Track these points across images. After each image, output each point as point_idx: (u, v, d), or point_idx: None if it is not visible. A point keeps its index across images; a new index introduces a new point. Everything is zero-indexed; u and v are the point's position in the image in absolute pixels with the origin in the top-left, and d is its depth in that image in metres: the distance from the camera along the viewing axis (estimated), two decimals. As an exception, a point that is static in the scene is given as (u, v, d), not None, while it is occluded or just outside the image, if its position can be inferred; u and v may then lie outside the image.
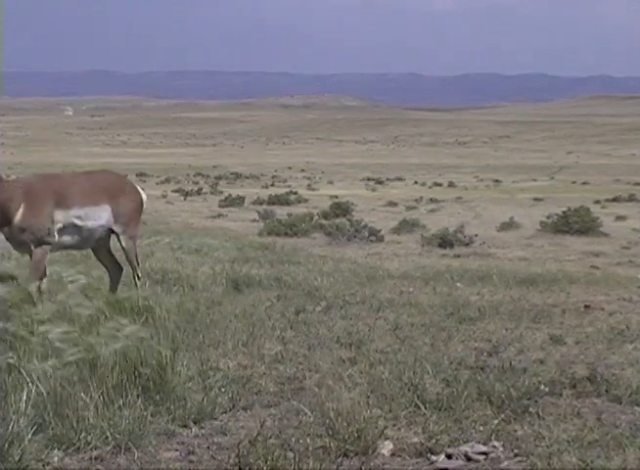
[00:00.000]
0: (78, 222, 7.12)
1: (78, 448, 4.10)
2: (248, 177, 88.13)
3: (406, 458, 4.17)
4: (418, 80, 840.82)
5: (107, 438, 4.15)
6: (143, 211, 7.69)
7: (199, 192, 57.62)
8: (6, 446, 3.87)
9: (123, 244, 7.47)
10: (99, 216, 7.24)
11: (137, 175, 74.53)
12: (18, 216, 6.81)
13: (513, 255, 20.11)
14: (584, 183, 79.81)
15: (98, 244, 7.55)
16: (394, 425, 4.53)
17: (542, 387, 5.18)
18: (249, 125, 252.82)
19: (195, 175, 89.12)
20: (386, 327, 7.15)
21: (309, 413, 4.60)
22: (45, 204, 6.92)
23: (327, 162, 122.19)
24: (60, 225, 7.01)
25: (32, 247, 6.90)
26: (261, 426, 4.19)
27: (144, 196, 7.71)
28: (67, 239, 7.13)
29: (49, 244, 6.97)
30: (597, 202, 47.87)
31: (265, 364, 5.71)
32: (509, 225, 31.20)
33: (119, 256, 7.69)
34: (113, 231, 7.42)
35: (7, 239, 7.02)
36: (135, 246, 7.60)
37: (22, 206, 6.82)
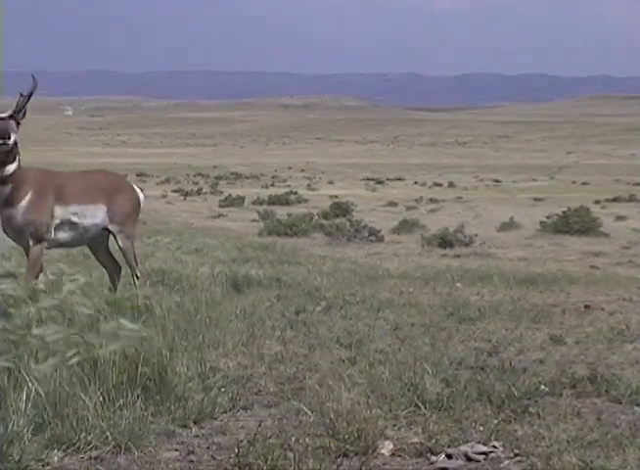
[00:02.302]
0: (75, 219, 7.10)
1: (78, 448, 4.09)
2: (248, 177, 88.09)
3: (406, 458, 4.16)
4: (418, 80, 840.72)
5: (107, 438, 4.14)
6: (140, 210, 7.65)
7: (199, 192, 57.61)
8: (6, 446, 3.87)
9: (120, 243, 7.42)
10: (94, 215, 7.22)
11: (137, 175, 74.51)
12: (24, 201, 6.78)
13: (513, 255, 20.13)
14: (584, 183, 79.80)
15: (95, 243, 7.52)
16: (394, 425, 4.53)
17: (542, 387, 5.17)
18: (249, 125, 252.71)
19: (195, 175, 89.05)
20: (386, 327, 7.14)
21: (309, 413, 4.59)
22: (48, 197, 6.92)
23: (327, 162, 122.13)
24: (57, 221, 7.00)
25: (30, 243, 6.88)
26: (261, 426, 4.18)
27: (141, 195, 7.66)
28: (62, 236, 7.11)
29: (46, 240, 6.96)
30: (597, 202, 47.87)
31: (265, 364, 5.70)
32: (509, 225, 31.20)
33: (119, 256, 7.67)
34: (109, 230, 7.38)
35: (5, 226, 6.95)
36: (133, 245, 7.55)
37: (30, 192, 6.81)
